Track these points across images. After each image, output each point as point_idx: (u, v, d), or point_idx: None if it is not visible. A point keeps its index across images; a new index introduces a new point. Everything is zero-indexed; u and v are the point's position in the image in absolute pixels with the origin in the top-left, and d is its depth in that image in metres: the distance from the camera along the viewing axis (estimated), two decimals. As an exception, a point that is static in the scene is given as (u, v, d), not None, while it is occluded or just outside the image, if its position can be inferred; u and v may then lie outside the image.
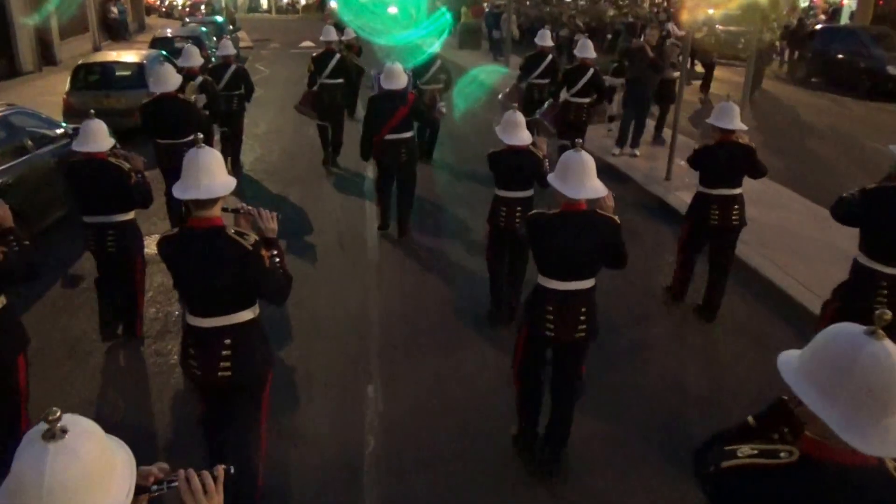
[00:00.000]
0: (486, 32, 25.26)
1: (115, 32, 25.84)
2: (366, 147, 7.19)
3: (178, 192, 3.09)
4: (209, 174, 3.04)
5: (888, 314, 1.56)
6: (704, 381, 4.95)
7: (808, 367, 1.58)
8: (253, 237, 3.10)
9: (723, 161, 5.22)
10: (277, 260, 3.21)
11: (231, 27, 22.60)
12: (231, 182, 3.14)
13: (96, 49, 22.94)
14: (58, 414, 1.34)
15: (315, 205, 8.45)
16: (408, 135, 6.98)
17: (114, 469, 1.44)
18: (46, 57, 19.04)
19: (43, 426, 1.34)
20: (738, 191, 5.33)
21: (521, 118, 5.05)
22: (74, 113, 10.74)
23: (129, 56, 11.65)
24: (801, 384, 1.57)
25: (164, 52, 12.97)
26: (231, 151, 9.57)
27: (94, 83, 11.23)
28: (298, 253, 6.91)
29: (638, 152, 10.19)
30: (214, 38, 17.82)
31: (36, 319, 5.53)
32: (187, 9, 40.87)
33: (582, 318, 3.63)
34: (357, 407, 4.57)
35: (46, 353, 5.11)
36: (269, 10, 68.75)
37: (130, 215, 4.88)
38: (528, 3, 29.39)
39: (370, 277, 6.52)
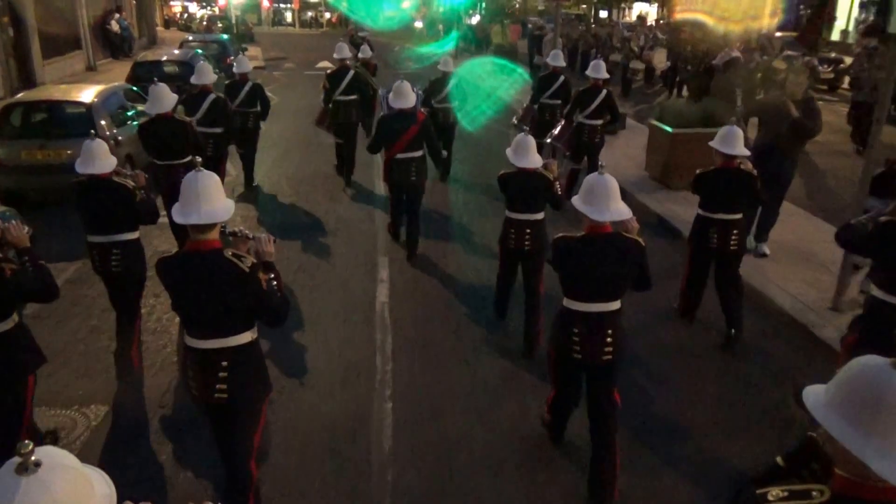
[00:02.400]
0: (525, 57, 22.56)
1: (118, 48, 23.61)
2: (373, 150, 7.17)
3: (178, 216, 3.08)
4: (208, 198, 3.05)
5: None
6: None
7: (836, 402, 1.54)
8: (250, 260, 3.11)
9: (723, 187, 5.23)
10: (275, 283, 3.22)
11: (238, 45, 20.15)
12: (230, 206, 3.17)
13: (90, 68, 20.67)
14: (30, 447, 1.34)
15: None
16: (418, 154, 6.85)
17: (89, 501, 1.42)
18: (26, 79, 16.64)
19: (16, 459, 1.34)
20: (737, 216, 5.32)
21: (531, 141, 5.04)
22: (2, 170, 8.17)
23: (80, 93, 9.01)
24: (831, 420, 1.52)
25: (133, 88, 10.41)
26: (244, 171, 9.41)
27: (28, 129, 8.58)
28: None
29: (767, 250, 7.16)
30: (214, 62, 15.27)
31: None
32: (205, 23, 38.80)
33: (609, 339, 3.60)
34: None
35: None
36: (293, 24, 67.36)
37: (135, 234, 4.83)
38: (576, 23, 26.63)
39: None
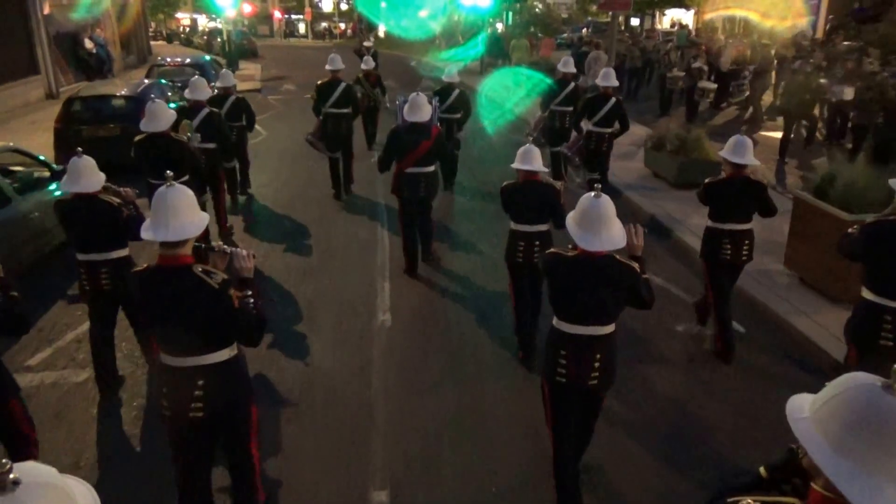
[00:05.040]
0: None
1: (93, 70, 20.55)
2: (383, 166, 6.91)
3: (148, 232, 3.03)
4: (178, 214, 2.98)
5: None
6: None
7: (819, 417, 1.49)
8: (221, 276, 3.00)
9: (733, 196, 5.16)
10: (251, 300, 3.10)
11: (220, 66, 16.90)
12: (203, 221, 3.09)
13: (51, 95, 17.59)
14: (8, 466, 1.26)
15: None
16: (429, 169, 6.66)
17: None
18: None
19: None
20: (748, 226, 5.25)
21: (535, 149, 5.03)
22: None
23: None
24: (810, 435, 1.48)
25: (21, 149, 7.26)
26: (239, 185, 9.29)
27: None
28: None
29: None
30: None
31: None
32: (205, 37, 35.98)
33: (596, 364, 3.46)
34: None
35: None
36: (306, 35, 64.84)
37: (125, 252, 4.70)
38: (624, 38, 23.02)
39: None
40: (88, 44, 20.33)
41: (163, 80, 12.59)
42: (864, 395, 1.41)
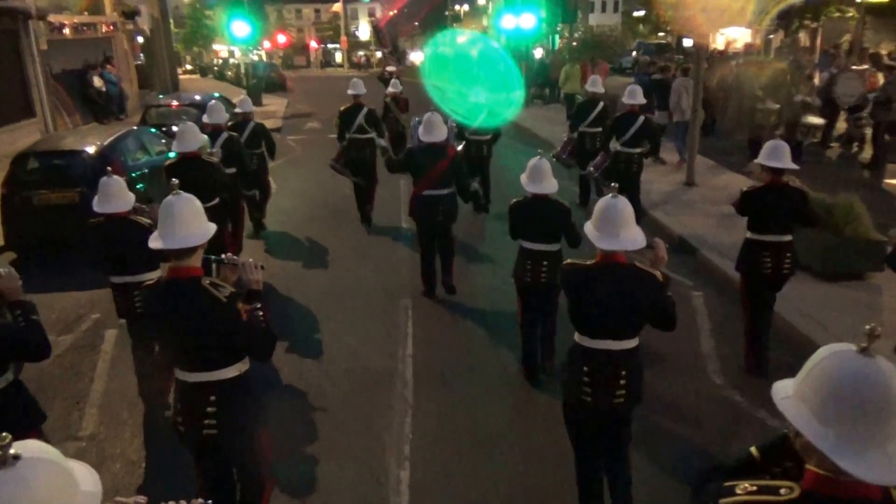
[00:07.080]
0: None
1: (103, 110, 18.79)
2: (391, 169, 7.29)
3: (153, 241, 3.03)
4: (184, 223, 2.97)
5: (878, 329, 1.45)
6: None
7: (801, 390, 1.49)
8: (229, 289, 2.98)
9: (773, 205, 4.95)
10: (260, 314, 3.06)
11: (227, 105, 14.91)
12: (209, 230, 3.06)
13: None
14: (8, 440, 1.28)
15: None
16: (446, 191, 6.43)
17: (72, 498, 1.36)
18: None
19: None
20: (789, 237, 5.05)
21: (546, 165, 4.88)
22: None
23: None
24: (794, 408, 1.48)
25: None
26: (257, 213, 8.99)
27: None
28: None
29: None
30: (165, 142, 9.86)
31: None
32: (234, 67, 34.61)
33: (622, 381, 3.29)
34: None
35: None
36: (342, 65, 63.86)
37: (157, 274, 4.55)
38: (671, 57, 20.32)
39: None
40: (97, 81, 18.55)
41: (152, 129, 10.44)
42: (838, 362, 1.42)
